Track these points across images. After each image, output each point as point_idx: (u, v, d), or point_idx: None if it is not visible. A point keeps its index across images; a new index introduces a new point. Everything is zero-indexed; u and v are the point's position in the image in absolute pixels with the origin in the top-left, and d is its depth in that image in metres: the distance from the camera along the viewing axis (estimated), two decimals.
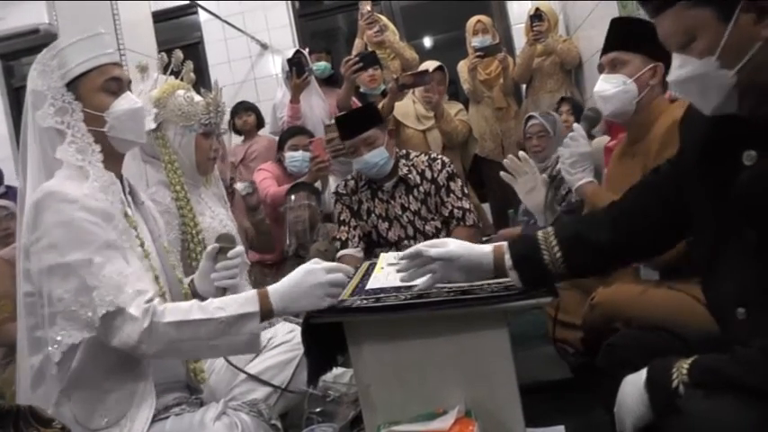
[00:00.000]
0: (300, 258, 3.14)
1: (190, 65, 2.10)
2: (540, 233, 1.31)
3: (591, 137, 2.13)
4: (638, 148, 1.79)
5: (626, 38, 1.79)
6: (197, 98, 2.05)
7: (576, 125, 1.92)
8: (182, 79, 2.09)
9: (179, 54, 2.11)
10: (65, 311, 1.31)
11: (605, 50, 1.83)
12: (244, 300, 1.35)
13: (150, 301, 1.33)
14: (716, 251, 1.09)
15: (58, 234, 1.32)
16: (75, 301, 1.30)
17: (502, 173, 2.10)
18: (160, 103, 1.99)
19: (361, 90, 3.73)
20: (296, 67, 3.65)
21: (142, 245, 1.48)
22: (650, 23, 1.76)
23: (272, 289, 1.38)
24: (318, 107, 3.86)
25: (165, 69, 2.08)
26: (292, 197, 3.18)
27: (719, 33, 0.98)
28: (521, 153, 2.05)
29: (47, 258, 1.33)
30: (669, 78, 1.10)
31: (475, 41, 3.94)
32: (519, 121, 4.02)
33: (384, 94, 3.70)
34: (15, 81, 5.47)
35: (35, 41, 4.86)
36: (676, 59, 1.06)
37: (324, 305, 1.36)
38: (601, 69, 1.85)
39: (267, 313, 1.36)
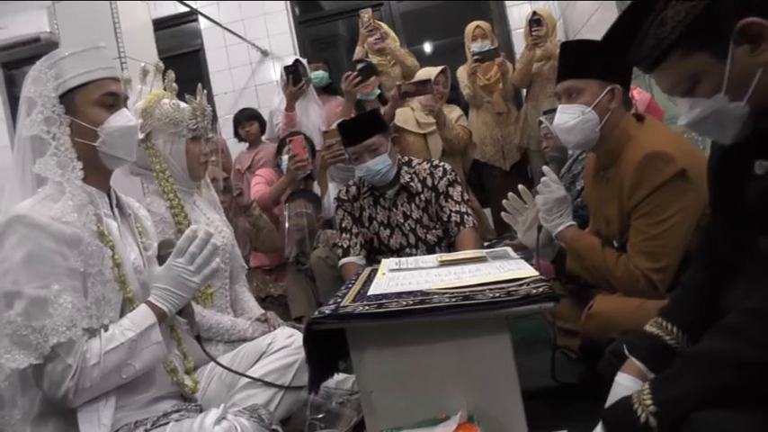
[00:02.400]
0: (301, 264, 3.14)
1: (171, 74, 2.11)
2: (653, 330, 1.25)
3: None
4: (611, 173, 1.75)
5: (578, 64, 1.73)
6: (182, 104, 2.05)
7: (545, 168, 1.86)
8: (165, 89, 2.10)
9: (160, 64, 2.12)
10: (13, 334, 1.29)
11: (559, 78, 1.77)
12: (142, 314, 1.44)
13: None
14: (735, 263, 1.10)
15: (17, 262, 1.31)
16: (27, 326, 1.28)
17: (503, 213, 2.01)
18: (147, 112, 1.99)
19: (358, 97, 3.75)
20: (293, 75, 3.68)
21: (118, 265, 1.46)
22: (601, 44, 1.76)
23: (152, 297, 1.47)
24: (315, 114, 3.89)
25: (143, 78, 2.08)
26: (290, 205, 3.18)
27: (721, 71, 1.00)
28: (520, 186, 1.98)
29: (2, 283, 1.32)
30: (681, 122, 1.11)
31: (474, 47, 3.95)
32: (519, 125, 4.04)
33: (382, 98, 3.71)
34: (17, 90, 5.48)
35: (36, 50, 4.86)
36: (685, 103, 1.08)
37: (197, 279, 1.48)
38: (559, 98, 1.80)
39: (161, 317, 1.46)
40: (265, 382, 1.66)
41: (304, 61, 3.89)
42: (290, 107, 3.73)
